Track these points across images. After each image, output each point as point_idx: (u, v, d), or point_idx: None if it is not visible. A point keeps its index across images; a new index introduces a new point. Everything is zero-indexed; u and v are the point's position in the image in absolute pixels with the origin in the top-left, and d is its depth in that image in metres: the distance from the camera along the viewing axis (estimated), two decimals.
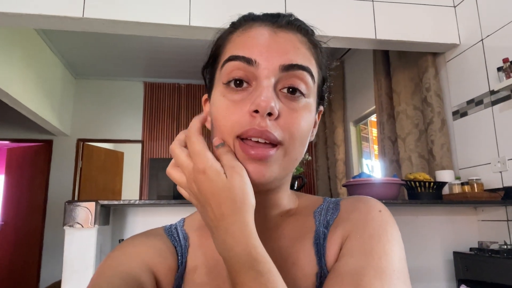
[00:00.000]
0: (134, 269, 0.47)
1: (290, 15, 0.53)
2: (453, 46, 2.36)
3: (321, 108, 0.57)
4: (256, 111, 0.44)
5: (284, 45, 0.48)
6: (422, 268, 1.93)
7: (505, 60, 1.91)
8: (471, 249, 1.87)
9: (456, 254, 1.84)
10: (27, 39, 3.91)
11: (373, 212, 0.50)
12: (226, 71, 0.48)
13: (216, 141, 0.47)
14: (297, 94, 0.48)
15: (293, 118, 0.47)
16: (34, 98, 4.03)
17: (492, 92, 2.05)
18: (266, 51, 0.47)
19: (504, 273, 1.55)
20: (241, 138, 0.46)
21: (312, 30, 0.54)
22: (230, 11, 1.50)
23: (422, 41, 2.29)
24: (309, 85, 0.49)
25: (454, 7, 2.38)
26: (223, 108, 0.47)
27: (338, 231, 0.51)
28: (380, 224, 0.48)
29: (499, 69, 1.95)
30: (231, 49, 0.50)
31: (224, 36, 0.53)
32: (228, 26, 0.54)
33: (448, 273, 1.95)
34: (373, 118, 3.83)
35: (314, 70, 0.51)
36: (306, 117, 0.48)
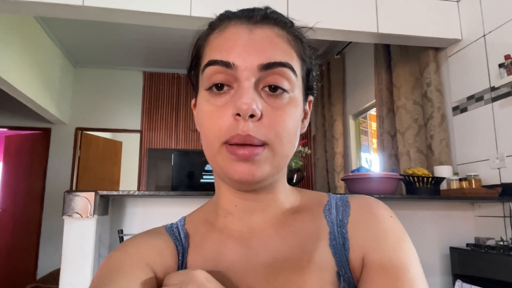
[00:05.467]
0: (135, 268, 0.46)
1: (266, 8, 0.52)
2: (455, 41, 2.35)
3: (311, 97, 0.57)
4: (239, 114, 0.45)
5: (260, 43, 0.47)
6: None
7: (507, 57, 1.90)
8: (467, 244, 1.88)
9: (453, 249, 1.86)
10: (26, 26, 3.87)
11: (387, 219, 0.52)
12: (207, 76, 0.48)
13: None
14: (280, 91, 0.47)
15: (277, 116, 0.46)
16: (32, 86, 4.00)
17: (493, 89, 2.05)
18: (243, 52, 0.47)
19: (500, 269, 1.57)
20: (228, 143, 0.46)
21: (291, 22, 0.53)
22: (231, 2, 1.49)
23: (424, 35, 2.28)
24: (291, 80, 0.48)
25: (457, 2, 2.37)
26: (208, 114, 0.48)
27: (358, 237, 0.51)
28: (397, 234, 0.50)
29: (500, 65, 1.95)
30: (209, 53, 0.49)
31: (203, 38, 0.53)
32: (206, 27, 0.54)
33: (444, 268, 1.97)
34: (373, 112, 3.83)
35: (296, 63, 0.50)
36: (291, 113, 0.48)
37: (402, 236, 0.50)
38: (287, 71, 0.48)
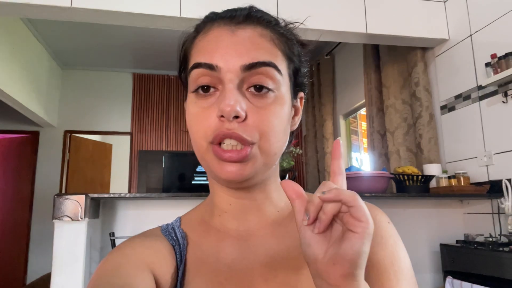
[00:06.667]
0: (133, 270, 0.46)
1: (250, 8, 0.52)
2: (442, 41, 2.38)
3: (301, 94, 0.57)
4: (223, 116, 0.45)
5: (243, 44, 0.47)
6: (410, 260, 1.97)
7: (493, 56, 1.93)
8: (457, 241, 1.90)
9: (443, 246, 1.88)
10: (13, 28, 3.82)
11: (385, 225, 0.54)
12: (193, 79, 0.49)
13: None
14: (264, 90, 0.47)
15: (262, 116, 0.46)
16: (20, 88, 3.95)
17: (480, 87, 2.08)
18: (226, 54, 0.47)
19: (489, 264, 1.59)
20: (214, 143, 0.46)
21: (275, 20, 0.53)
22: (221, 3, 1.49)
23: (412, 35, 2.31)
24: (275, 79, 0.48)
25: (444, 2, 2.40)
26: (195, 115, 0.48)
27: None
28: (395, 241, 0.53)
29: (487, 64, 1.98)
30: (194, 56, 0.50)
31: (189, 40, 0.53)
32: (193, 29, 0.54)
33: (434, 265, 1.99)
34: (363, 111, 3.86)
35: (280, 62, 0.49)
36: (276, 112, 0.48)
37: (398, 243, 0.53)
38: (271, 70, 0.48)
